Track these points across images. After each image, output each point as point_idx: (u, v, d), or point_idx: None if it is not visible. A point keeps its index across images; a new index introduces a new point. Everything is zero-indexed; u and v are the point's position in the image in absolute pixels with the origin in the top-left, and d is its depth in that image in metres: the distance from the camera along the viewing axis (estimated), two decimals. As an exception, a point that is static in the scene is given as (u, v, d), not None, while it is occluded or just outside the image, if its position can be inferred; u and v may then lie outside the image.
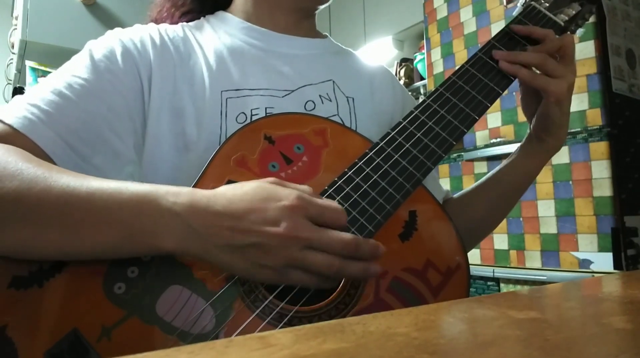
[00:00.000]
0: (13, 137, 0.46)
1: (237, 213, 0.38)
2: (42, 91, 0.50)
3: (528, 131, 0.63)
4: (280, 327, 0.40)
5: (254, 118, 0.55)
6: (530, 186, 0.65)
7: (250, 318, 0.40)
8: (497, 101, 1.62)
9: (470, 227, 0.66)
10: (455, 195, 0.72)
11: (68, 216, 0.39)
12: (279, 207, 0.38)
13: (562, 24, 0.60)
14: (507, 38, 0.57)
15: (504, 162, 0.65)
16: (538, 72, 0.56)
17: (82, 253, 0.40)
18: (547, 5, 0.61)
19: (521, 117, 1.52)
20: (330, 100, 0.61)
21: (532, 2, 0.61)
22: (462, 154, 1.73)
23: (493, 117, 1.63)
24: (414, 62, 2.68)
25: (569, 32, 0.63)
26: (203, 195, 0.39)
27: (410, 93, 0.79)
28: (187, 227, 0.38)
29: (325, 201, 0.40)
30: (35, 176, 0.40)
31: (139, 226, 0.38)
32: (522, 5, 0.61)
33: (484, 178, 0.68)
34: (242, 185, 0.41)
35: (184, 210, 0.38)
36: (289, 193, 0.39)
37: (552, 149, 0.61)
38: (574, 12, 0.61)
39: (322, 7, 0.66)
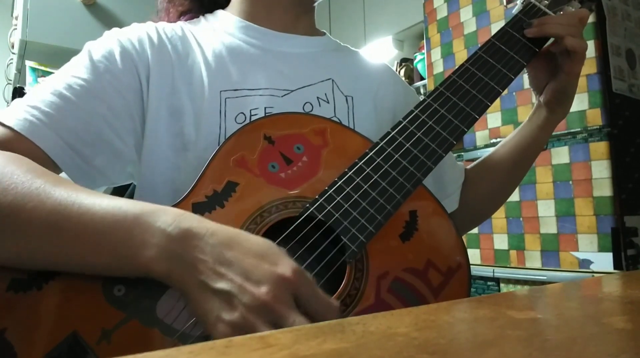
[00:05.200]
0: (14, 139, 0.46)
1: (225, 257, 0.36)
2: (42, 93, 0.50)
3: (537, 104, 0.66)
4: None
5: (253, 118, 0.55)
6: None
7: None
8: (497, 101, 1.62)
9: (482, 200, 0.73)
10: (469, 167, 0.75)
11: (58, 235, 0.38)
12: (270, 269, 0.35)
13: None
14: (508, 36, 0.57)
15: (512, 135, 0.70)
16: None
17: (72, 271, 0.39)
18: (547, 3, 0.61)
19: (521, 117, 1.52)
20: (328, 102, 0.61)
21: (532, 0, 0.61)
22: (462, 154, 1.73)
23: (493, 117, 1.62)
24: (414, 62, 2.68)
25: None
26: (205, 225, 0.38)
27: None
28: (174, 249, 0.37)
29: (322, 293, 0.37)
30: (29, 191, 0.39)
31: (128, 248, 0.37)
32: (522, 3, 0.61)
33: (494, 150, 0.72)
34: (251, 236, 0.39)
35: (178, 232, 0.37)
36: (288, 263, 0.36)
37: (560, 119, 0.66)
38: (573, 10, 0.61)
39: (319, 0, 0.66)
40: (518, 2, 0.63)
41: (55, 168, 0.49)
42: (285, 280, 0.35)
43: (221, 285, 0.35)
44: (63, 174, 0.50)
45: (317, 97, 0.61)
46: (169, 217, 0.38)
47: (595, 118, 1.36)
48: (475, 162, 0.75)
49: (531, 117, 0.68)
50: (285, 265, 0.36)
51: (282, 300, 0.34)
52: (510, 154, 0.70)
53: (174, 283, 0.38)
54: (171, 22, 0.65)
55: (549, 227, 1.44)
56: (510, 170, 0.71)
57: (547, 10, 0.60)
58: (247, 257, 0.36)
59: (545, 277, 1.43)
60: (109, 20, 2.40)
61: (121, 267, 0.38)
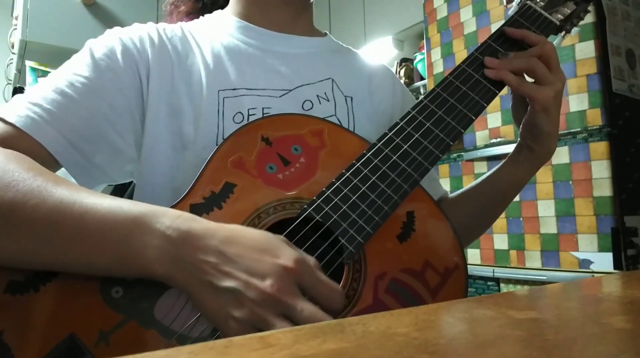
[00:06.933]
0: (16, 136, 0.46)
1: (227, 254, 0.36)
2: (44, 90, 0.50)
3: (518, 139, 0.61)
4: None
5: (251, 118, 0.55)
6: (522, 190, 0.64)
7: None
8: (497, 101, 1.63)
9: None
10: (450, 196, 0.72)
11: (58, 234, 0.38)
12: (272, 262, 0.36)
13: (558, 23, 0.60)
14: (504, 38, 0.57)
15: (493, 169, 0.64)
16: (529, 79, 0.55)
17: (72, 270, 0.39)
18: (543, 4, 0.61)
19: (521, 117, 1.52)
20: (328, 100, 0.61)
21: (528, 2, 0.61)
22: (462, 153, 1.73)
23: (493, 117, 1.63)
24: (414, 62, 2.68)
25: (564, 32, 0.64)
26: (203, 226, 0.38)
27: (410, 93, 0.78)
28: (175, 252, 0.37)
29: (325, 278, 0.38)
30: (31, 189, 0.39)
31: (128, 249, 0.38)
32: (518, 5, 0.61)
33: (472, 183, 0.67)
34: (249, 230, 0.39)
35: (178, 235, 0.37)
36: (289, 254, 0.37)
37: (541, 158, 0.60)
38: (569, 11, 0.61)
39: None
40: (514, 3, 0.63)
41: (56, 165, 0.49)
42: (288, 271, 0.36)
43: (227, 283, 0.36)
44: (63, 170, 0.50)
45: (317, 96, 0.61)
46: (168, 219, 0.38)
47: (595, 118, 1.36)
48: (456, 192, 0.71)
49: (511, 152, 0.63)
50: (287, 256, 0.36)
51: (287, 290, 0.35)
52: (485, 189, 0.65)
53: (177, 284, 0.38)
54: (172, 23, 0.65)
55: (549, 227, 1.44)
56: (484, 206, 0.66)
57: (542, 12, 0.60)
58: (248, 252, 0.37)
59: (545, 277, 1.43)
60: (108, 20, 2.40)
61: (121, 267, 0.38)
